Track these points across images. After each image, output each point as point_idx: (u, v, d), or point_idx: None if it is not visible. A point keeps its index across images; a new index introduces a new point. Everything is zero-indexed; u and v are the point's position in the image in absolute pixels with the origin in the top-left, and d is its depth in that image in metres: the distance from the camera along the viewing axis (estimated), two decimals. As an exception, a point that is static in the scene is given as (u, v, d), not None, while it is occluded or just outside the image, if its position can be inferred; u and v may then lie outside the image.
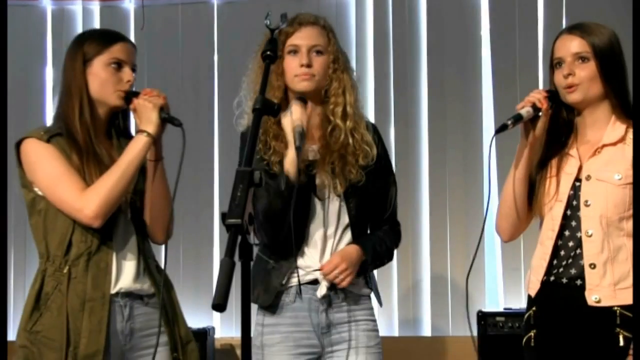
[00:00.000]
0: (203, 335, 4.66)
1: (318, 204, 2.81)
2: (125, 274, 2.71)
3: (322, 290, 2.79)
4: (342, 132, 2.80)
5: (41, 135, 2.68)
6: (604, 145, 2.68)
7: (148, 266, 2.77)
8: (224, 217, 1.92)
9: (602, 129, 2.70)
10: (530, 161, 2.72)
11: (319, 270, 2.78)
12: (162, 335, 2.72)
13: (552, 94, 2.70)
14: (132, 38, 5.23)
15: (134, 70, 2.79)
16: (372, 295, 2.94)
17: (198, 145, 5.17)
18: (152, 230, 2.79)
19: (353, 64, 4.98)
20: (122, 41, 2.79)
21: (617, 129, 2.68)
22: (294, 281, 2.80)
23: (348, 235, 2.83)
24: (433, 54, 5.06)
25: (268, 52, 2.34)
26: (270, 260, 2.82)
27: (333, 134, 2.81)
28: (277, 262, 2.80)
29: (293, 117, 2.68)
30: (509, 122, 2.62)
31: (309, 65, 2.77)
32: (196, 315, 4.98)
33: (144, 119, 2.70)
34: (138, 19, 5.22)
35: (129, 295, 2.72)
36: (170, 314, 2.79)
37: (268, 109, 2.23)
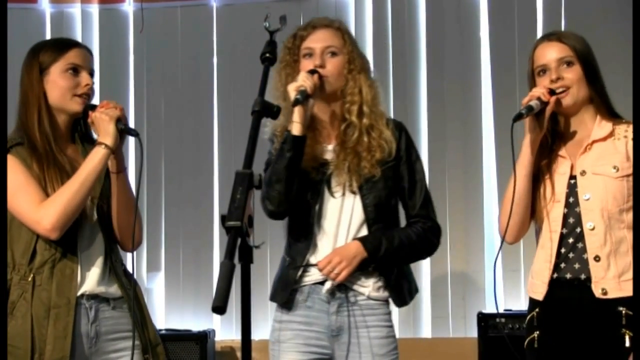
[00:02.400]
0: (203, 337, 4.66)
1: (332, 201, 2.82)
2: (90, 277, 2.71)
3: (326, 286, 2.79)
4: (357, 130, 2.82)
5: None
6: (594, 141, 2.72)
7: (115, 270, 2.76)
8: (223, 219, 1.92)
9: (588, 128, 2.75)
10: (534, 157, 2.73)
11: (315, 265, 2.79)
12: (130, 340, 2.73)
13: (552, 91, 2.72)
14: (131, 41, 5.25)
15: (91, 74, 2.80)
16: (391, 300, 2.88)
17: (197, 148, 5.17)
18: (120, 239, 2.80)
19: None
20: (76, 47, 2.81)
21: (603, 126, 2.73)
22: (308, 280, 2.82)
23: (363, 233, 2.82)
24: (432, 56, 5.07)
25: (267, 55, 2.34)
26: (287, 258, 2.87)
27: (347, 131, 2.83)
28: (293, 257, 2.84)
29: (297, 82, 2.71)
30: (524, 112, 2.66)
31: (321, 66, 2.79)
32: (196, 318, 4.98)
33: (101, 131, 2.70)
34: (137, 22, 5.22)
35: (94, 297, 2.72)
36: (139, 317, 2.79)
37: (267, 111, 2.23)
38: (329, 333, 2.80)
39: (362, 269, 2.79)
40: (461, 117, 5.02)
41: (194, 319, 4.98)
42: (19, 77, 2.86)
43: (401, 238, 2.83)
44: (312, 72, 2.76)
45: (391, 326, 2.86)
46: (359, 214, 2.81)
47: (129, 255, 2.82)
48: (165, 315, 5.04)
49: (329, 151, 2.85)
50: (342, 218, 2.81)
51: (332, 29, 2.88)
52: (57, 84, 2.75)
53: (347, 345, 2.80)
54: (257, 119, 2.19)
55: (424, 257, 2.97)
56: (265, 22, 2.43)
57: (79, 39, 4.87)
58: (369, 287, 2.82)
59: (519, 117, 2.66)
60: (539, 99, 2.68)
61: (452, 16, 5.07)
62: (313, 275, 2.82)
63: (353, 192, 2.81)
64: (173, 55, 5.23)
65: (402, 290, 2.87)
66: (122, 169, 2.75)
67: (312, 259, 2.81)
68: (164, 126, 5.20)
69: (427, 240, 2.88)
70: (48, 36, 5.19)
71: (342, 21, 2.97)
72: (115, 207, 2.76)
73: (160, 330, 4.74)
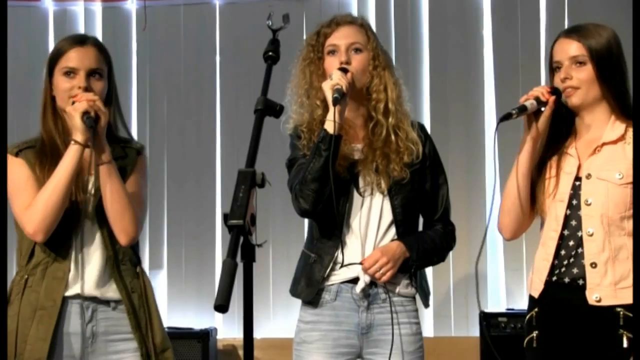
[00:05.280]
0: (205, 336, 4.68)
1: (361, 201, 2.81)
2: (87, 278, 2.70)
3: (360, 285, 2.78)
4: (384, 129, 2.81)
5: (12, 149, 2.73)
6: (604, 144, 2.68)
7: (119, 272, 2.74)
8: (226, 218, 1.92)
9: (602, 128, 2.70)
10: (532, 156, 2.72)
11: (359, 264, 2.77)
12: (131, 342, 2.73)
13: (555, 90, 2.70)
14: (133, 39, 5.25)
15: (96, 73, 2.73)
16: (418, 297, 2.90)
17: (200, 145, 5.17)
18: (114, 232, 2.73)
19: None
20: (77, 46, 2.74)
21: (616, 128, 2.68)
22: (335, 279, 2.81)
23: (391, 233, 2.82)
24: (435, 54, 5.07)
25: (270, 53, 2.34)
26: (312, 254, 2.84)
27: (375, 130, 2.83)
28: (319, 255, 2.82)
29: (332, 81, 2.69)
30: (514, 112, 2.63)
31: (347, 63, 2.78)
32: (198, 316, 4.99)
33: (71, 126, 2.66)
34: (140, 20, 5.22)
35: (91, 299, 2.70)
36: (144, 320, 2.76)
37: (270, 110, 2.23)
38: (358, 331, 2.80)
39: (403, 271, 2.81)
40: (464, 115, 5.02)
41: (196, 317, 4.99)
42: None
43: (432, 240, 2.88)
44: (343, 70, 2.75)
45: (419, 323, 2.88)
46: (387, 215, 2.82)
47: (143, 255, 2.80)
48: (167, 313, 5.04)
49: (357, 151, 2.84)
50: (371, 218, 2.81)
51: (355, 26, 2.87)
52: (57, 87, 2.73)
53: (378, 342, 2.80)
54: (260, 118, 2.19)
55: (443, 260, 2.99)
56: (268, 20, 2.43)
57: (81, 37, 4.86)
58: (399, 283, 2.83)
59: (506, 117, 2.63)
60: (537, 98, 2.66)
61: (455, 15, 5.07)
62: (341, 274, 2.81)
63: (382, 193, 2.81)
64: (176, 54, 5.23)
65: (425, 292, 2.92)
66: (102, 162, 2.65)
67: (341, 258, 2.80)
68: (166, 124, 5.21)
69: (448, 243, 2.95)
70: (51, 34, 5.21)
71: (364, 17, 2.97)
72: (103, 200, 2.70)
73: (163, 328, 4.75)
